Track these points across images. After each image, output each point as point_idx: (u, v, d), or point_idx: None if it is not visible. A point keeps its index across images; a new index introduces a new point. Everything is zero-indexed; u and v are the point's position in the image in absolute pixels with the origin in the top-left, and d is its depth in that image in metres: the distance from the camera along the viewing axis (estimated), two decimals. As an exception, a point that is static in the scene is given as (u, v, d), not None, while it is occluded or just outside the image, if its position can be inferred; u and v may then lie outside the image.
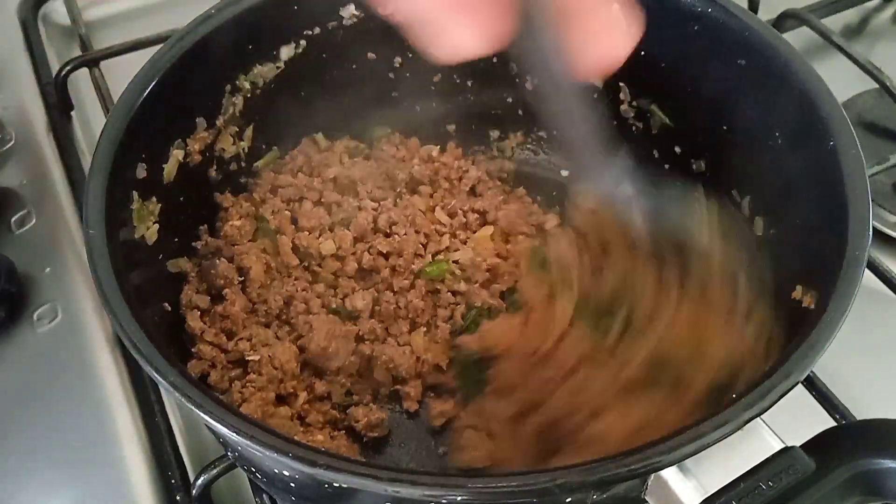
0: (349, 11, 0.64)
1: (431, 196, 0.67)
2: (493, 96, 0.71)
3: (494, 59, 0.69)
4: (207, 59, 0.57)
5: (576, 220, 0.57)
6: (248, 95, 0.62)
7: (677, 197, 0.52)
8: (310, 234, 0.61)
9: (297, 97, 0.66)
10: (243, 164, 0.65)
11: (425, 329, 0.60)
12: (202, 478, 0.52)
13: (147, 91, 0.52)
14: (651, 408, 0.46)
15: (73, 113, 0.79)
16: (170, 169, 0.56)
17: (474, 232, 0.65)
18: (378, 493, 0.36)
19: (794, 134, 0.53)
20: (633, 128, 0.68)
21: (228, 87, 0.61)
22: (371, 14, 0.64)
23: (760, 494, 0.39)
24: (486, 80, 0.70)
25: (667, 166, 0.67)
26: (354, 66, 0.67)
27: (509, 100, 0.72)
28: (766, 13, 0.82)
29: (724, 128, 0.60)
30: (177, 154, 0.57)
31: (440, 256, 0.62)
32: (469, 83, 0.71)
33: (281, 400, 0.55)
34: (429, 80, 0.70)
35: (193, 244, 0.61)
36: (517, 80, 0.70)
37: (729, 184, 0.61)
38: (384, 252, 0.61)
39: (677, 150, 0.66)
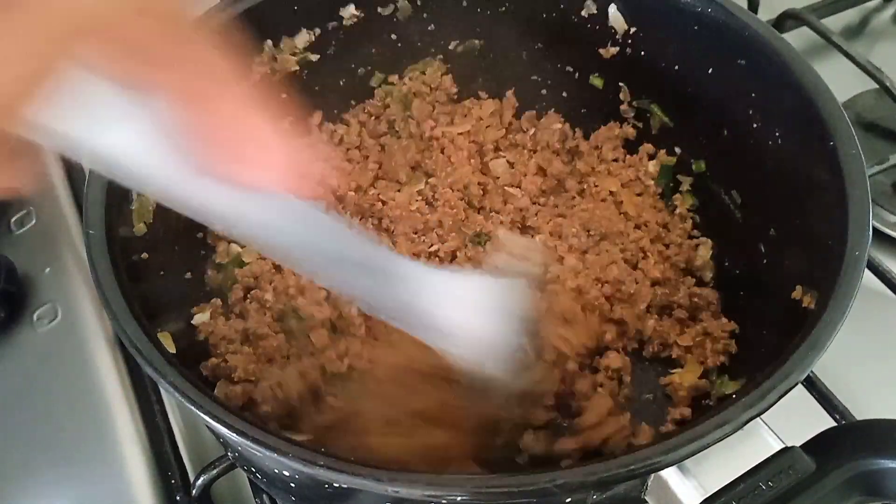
0: (349, 11, 0.64)
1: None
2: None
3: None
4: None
5: None
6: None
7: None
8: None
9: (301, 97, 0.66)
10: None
11: None
12: (202, 478, 0.52)
13: (147, 91, 0.52)
14: None
15: (73, 113, 0.79)
16: None
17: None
18: (378, 493, 0.36)
19: (795, 134, 0.53)
20: (634, 128, 0.68)
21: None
22: (372, 14, 0.65)
23: (760, 495, 0.39)
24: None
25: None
26: (353, 66, 0.68)
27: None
28: (766, 13, 0.82)
29: (724, 128, 0.60)
30: None
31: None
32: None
33: None
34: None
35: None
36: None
37: (729, 184, 0.61)
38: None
39: (677, 150, 0.66)
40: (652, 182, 0.67)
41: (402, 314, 0.42)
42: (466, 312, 0.42)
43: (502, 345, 0.44)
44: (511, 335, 0.44)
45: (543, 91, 0.71)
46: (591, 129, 0.70)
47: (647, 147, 0.67)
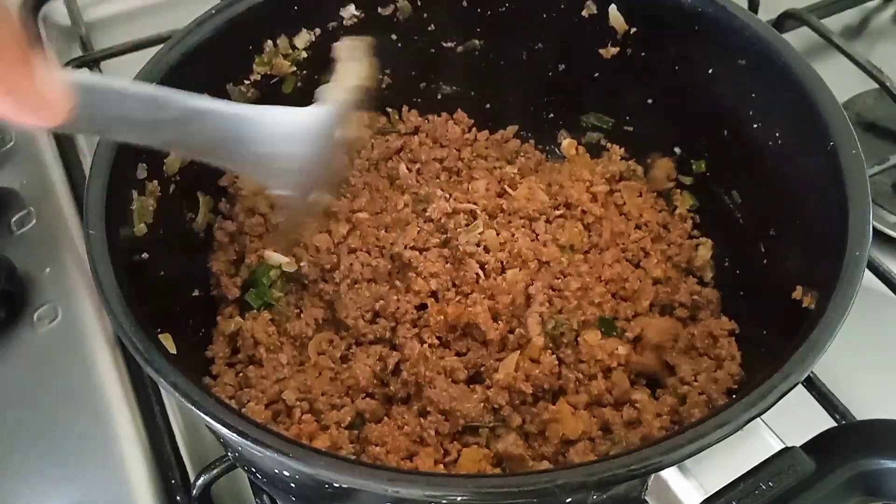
0: (349, 11, 0.64)
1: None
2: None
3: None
4: (207, 60, 0.57)
5: None
6: (248, 96, 0.62)
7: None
8: None
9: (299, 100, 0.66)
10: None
11: None
12: (202, 478, 0.52)
13: (147, 91, 0.52)
14: None
15: (73, 113, 0.79)
16: (171, 162, 0.56)
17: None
18: (378, 493, 0.36)
19: (795, 134, 0.53)
20: (634, 128, 0.68)
21: (229, 88, 0.61)
22: (372, 14, 0.65)
23: (760, 495, 0.39)
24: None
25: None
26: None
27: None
28: (766, 13, 0.82)
29: (724, 128, 0.60)
30: None
31: None
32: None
33: None
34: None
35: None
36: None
37: (729, 184, 0.61)
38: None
39: (677, 150, 0.66)
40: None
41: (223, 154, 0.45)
42: (286, 147, 0.46)
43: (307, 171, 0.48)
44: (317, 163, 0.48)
45: (543, 99, 0.71)
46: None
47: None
